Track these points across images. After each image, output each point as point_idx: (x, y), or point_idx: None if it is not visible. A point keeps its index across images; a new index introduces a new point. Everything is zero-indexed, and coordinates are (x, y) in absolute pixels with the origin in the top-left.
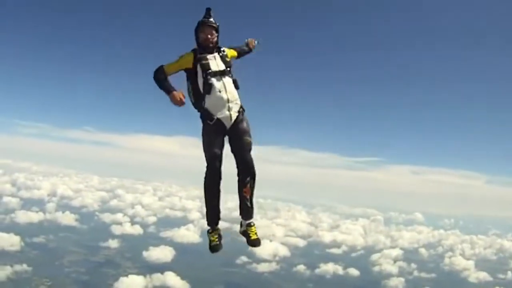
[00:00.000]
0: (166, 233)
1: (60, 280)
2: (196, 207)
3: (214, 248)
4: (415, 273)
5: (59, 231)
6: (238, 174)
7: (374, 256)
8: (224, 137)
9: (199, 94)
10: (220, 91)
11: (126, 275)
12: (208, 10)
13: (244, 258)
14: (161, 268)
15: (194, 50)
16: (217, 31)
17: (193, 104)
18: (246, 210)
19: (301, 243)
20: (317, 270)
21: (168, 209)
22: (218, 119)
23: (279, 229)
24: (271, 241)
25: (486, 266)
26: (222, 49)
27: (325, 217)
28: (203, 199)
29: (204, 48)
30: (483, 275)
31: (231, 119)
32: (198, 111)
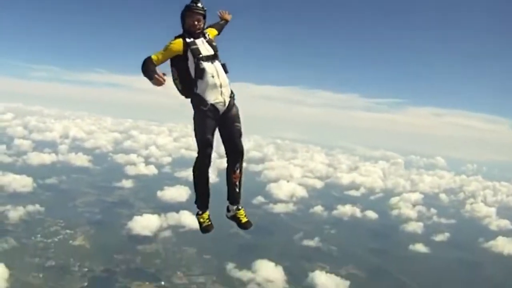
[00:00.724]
0: (181, 173)
1: (73, 221)
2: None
3: (205, 229)
4: (435, 218)
5: (71, 172)
6: (228, 160)
7: (393, 200)
8: (216, 123)
9: (189, 80)
10: (213, 76)
11: (141, 215)
12: None
13: (260, 199)
14: (176, 207)
15: (181, 36)
16: (204, 17)
17: (180, 91)
18: (234, 195)
19: (319, 184)
20: (334, 212)
21: (183, 149)
22: (212, 104)
23: (297, 170)
24: (288, 181)
25: (508, 213)
26: (206, 33)
27: (344, 158)
28: (193, 183)
29: (190, 33)
30: (505, 223)
31: (224, 104)
32: (186, 97)
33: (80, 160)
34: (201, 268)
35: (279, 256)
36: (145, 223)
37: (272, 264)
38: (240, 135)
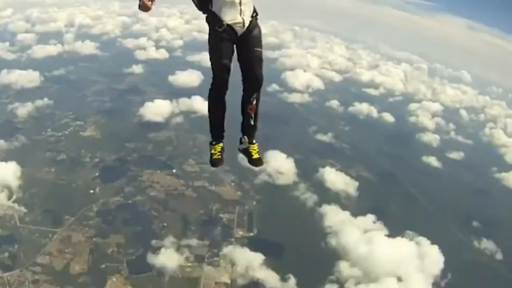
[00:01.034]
0: (194, 57)
1: (83, 112)
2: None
3: (214, 161)
4: (452, 134)
5: (79, 61)
6: (244, 89)
7: (412, 106)
8: (233, 46)
9: None
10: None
11: (152, 101)
12: None
13: (275, 86)
14: (188, 92)
15: None
16: None
17: (196, 4)
18: (250, 128)
19: (337, 78)
20: (350, 108)
21: (195, 32)
22: (228, 25)
23: (315, 60)
24: (305, 71)
25: None
26: None
27: (365, 54)
28: (207, 110)
29: None
30: None
31: (243, 25)
32: (204, 12)
33: (88, 48)
34: None
35: (291, 148)
36: (157, 109)
37: (283, 155)
38: (260, 61)
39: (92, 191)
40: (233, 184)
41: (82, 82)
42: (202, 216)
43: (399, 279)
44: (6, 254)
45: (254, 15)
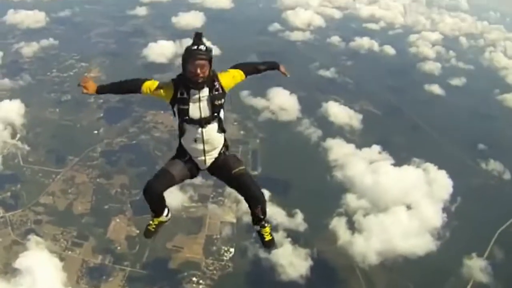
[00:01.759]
0: None
1: (88, 54)
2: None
3: (147, 233)
4: (453, 61)
5: (85, 4)
6: (246, 202)
7: (412, 37)
8: (192, 174)
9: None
10: (196, 141)
11: (155, 42)
12: (198, 34)
13: (277, 25)
14: (191, 34)
15: (176, 83)
16: (210, 62)
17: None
18: (260, 220)
19: (337, 14)
20: (352, 44)
21: None
22: (191, 158)
23: None
24: (305, 9)
25: None
26: (215, 83)
27: None
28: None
29: (191, 82)
30: None
31: (205, 163)
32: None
33: None
34: None
35: (294, 85)
36: (160, 50)
37: (286, 92)
38: (247, 180)
39: (96, 132)
40: (236, 123)
41: (87, 24)
42: None
43: (408, 207)
44: (9, 194)
45: (222, 151)
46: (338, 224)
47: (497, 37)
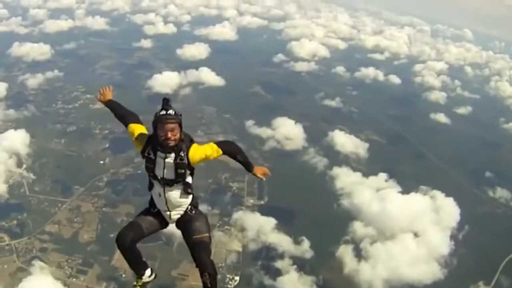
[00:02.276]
0: (201, 31)
1: (93, 85)
2: (233, 4)
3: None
4: (458, 90)
5: (90, 36)
6: (197, 267)
7: (417, 67)
8: (161, 226)
9: None
10: (160, 195)
11: (160, 73)
12: (166, 100)
13: (281, 56)
14: (195, 65)
15: (147, 141)
16: (180, 125)
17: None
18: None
19: (342, 45)
20: (357, 74)
21: (202, 7)
22: (159, 211)
23: (319, 29)
24: (310, 40)
25: None
26: (182, 153)
27: (368, 21)
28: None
29: (161, 145)
30: None
31: (170, 218)
32: None
33: (98, 23)
34: (220, 126)
35: (299, 116)
36: (165, 81)
37: (291, 122)
38: (202, 248)
39: (102, 162)
40: None
41: (92, 57)
42: (211, 185)
43: (416, 234)
44: (15, 222)
45: (189, 209)
46: (345, 252)
47: (502, 66)
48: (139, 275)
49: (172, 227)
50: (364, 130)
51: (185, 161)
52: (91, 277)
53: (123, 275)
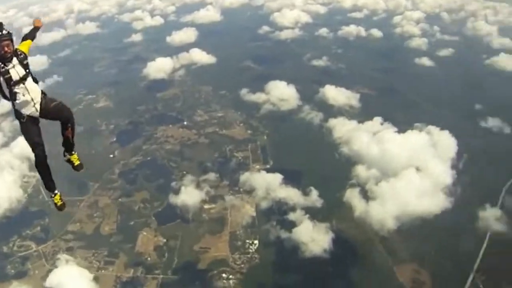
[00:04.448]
0: (187, 18)
1: (94, 86)
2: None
3: (60, 207)
4: (438, 35)
5: (83, 41)
6: (61, 124)
7: (396, 19)
8: (38, 124)
9: (3, 93)
10: (24, 95)
11: (154, 60)
12: (0, 25)
13: (266, 28)
14: (186, 48)
15: None
16: (11, 40)
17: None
18: (69, 146)
19: (322, 9)
20: (339, 33)
21: None
22: (28, 115)
23: None
24: (291, 10)
25: (510, 33)
26: (18, 52)
27: None
28: (39, 174)
29: (3, 59)
30: (507, 41)
31: (37, 110)
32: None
33: (89, 28)
34: (219, 103)
35: (291, 78)
36: (159, 66)
37: (284, 83)
38: (62, 107)
39: (111, 155)
40: (241, 124)
41: (88, 60)
42: (217, 158)
43: (418, 169)
44: (38, 228)
45: (42, 96)
46: (352, 195)
47: (476, 7)
48: (52, 191)
49: None
50: (354, 84)
51: (23, 54)
52: (119, 266)
53: (149, 259)
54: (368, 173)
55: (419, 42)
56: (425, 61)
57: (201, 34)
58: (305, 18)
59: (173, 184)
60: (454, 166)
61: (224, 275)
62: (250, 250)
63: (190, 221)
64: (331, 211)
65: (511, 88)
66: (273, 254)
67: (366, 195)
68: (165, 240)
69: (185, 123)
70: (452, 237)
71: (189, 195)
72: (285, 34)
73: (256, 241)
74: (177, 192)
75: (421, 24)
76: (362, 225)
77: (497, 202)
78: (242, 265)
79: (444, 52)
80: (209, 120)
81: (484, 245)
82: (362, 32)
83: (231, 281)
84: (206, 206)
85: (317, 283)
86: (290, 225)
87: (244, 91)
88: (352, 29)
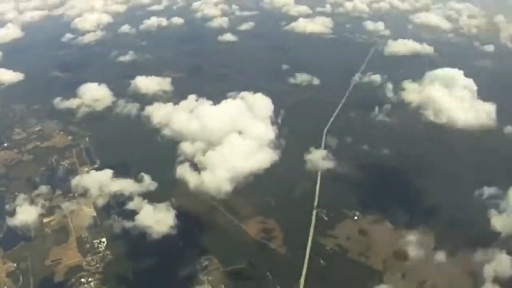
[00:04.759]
0: None
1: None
2: (12, 6)
3: None
4: (237, 13)
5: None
6: None
7: (195, 5)
8: None
9: None
10: None
11: None
12: None
13: (68, 35)
14: None
15: None
16: None
17: None
18: None
19: (122, 8)
20: (141, 27)
21: None
22: None
23: (99, 1)
24: (91, 13)
25: (307, 1)
26: None
27: None
28: None
29: None
30: (303, 8)
31: None
32: None
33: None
34: (34, 117)
35: (101, 78)
36: None
37: (95, 85)
38: None
39: None
40: (61, 132)
41: None
42: (45, 171)
43: (240, 132)
44: None
45: None
46: (183, 171)
47: None
48: None
49: None
50: (163, 71)
51: None
52: None
53: (5, 287)
54: (194, 147)
55: (220, 22)
56: (229, 37)
57: (4, 54)
58: (106, 19)
59: (7, 207)
60: (274, 122)
61: (83, 280)
62: (101, 249)
63: (33, 238)
64: (167, 190)
65: (311, 46)
66: (123, 245)
67: (196, 168)
68: (15, 264)
69: (5, 144)
70: (287, 184)
71: (25, 214)
72: (88, 38)
73: (103, 239)
74: (12, 214)
75: (220, 5)
76: (200, 195)
77: (321, 144)
78: (98, 265)
79: (245, 26)
80: (28, 136)
81: (318, 182)
82: (164, 22)
83: (92, 283)
84: (45, 220)
85: (173, 258)
86: (132, 214)
87: (57, 100)
88: (153, 21)
